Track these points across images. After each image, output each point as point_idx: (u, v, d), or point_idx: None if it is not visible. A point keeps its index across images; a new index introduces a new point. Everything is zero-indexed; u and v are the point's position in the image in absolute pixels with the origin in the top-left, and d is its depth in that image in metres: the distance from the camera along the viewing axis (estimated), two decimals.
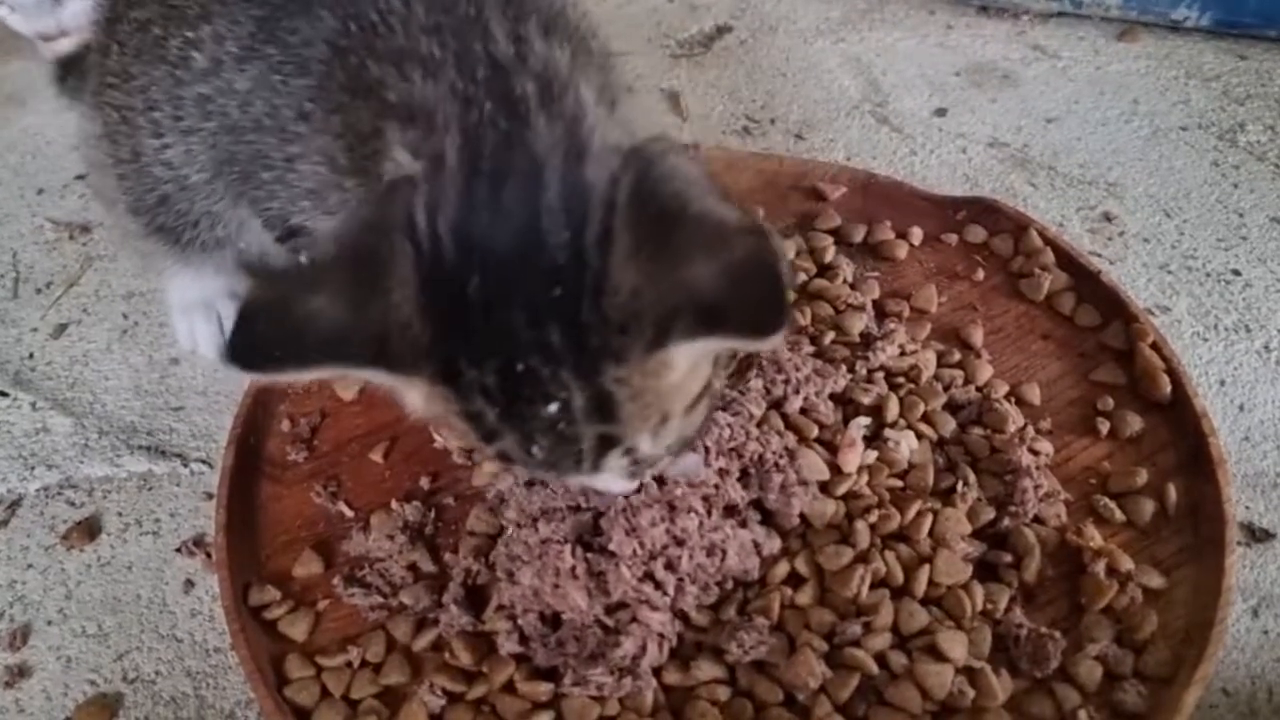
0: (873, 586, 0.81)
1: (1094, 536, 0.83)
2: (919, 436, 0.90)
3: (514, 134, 0.59)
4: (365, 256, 0.56)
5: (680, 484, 0.81)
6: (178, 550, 0.93)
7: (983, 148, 1.33)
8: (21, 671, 0.86)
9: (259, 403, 0.95)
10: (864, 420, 0.90)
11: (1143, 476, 0.88)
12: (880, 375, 0.95)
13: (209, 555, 0.92)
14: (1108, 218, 1.22)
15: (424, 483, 0.91)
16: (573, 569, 0.78)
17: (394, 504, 0.89)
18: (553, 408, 0.57)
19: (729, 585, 0.81)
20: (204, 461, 1.00)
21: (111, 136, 0.86)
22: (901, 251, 1.09)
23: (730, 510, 0.83)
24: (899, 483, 0.88)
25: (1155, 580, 0.82)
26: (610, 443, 0.60)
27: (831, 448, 0.88)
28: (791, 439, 0.88)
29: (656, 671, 0.77)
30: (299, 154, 0.70)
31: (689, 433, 0.66)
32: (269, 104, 0.70)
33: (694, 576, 0.79)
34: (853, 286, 1.05)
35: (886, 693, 0.76)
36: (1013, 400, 0.94)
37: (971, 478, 0.87)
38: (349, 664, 0.80)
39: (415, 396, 0.61)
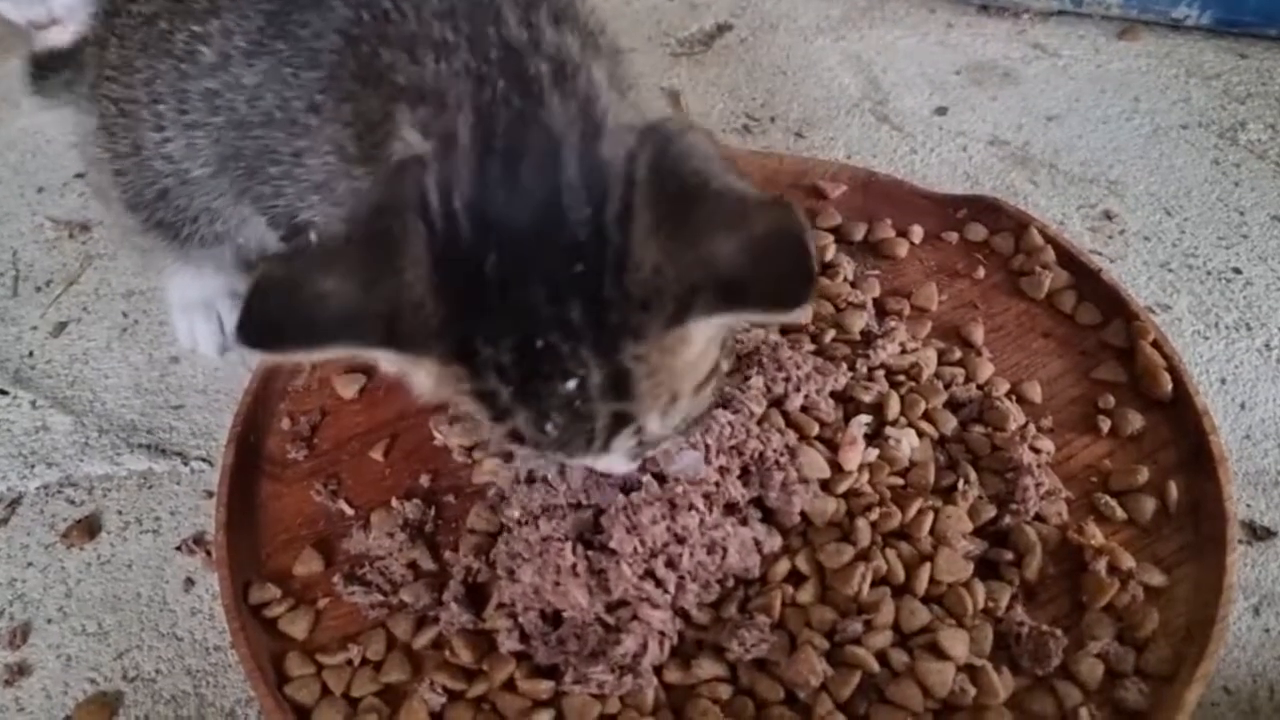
0: (874, 584, 0.80)
1: (1095, 534, 0.83)
2: (920, 434, 0.90)
3: (528, 112, 0.59)
4: (377, 237, 0.56)
5: (681, 482, 0.81)
6: (178, 548, 0.93)
7: (983, 146, 1.33)
8: (21, 670, 0.86)
9: (259, 401, 0.95)
10: (865, 418, 0.90)
11: (1144, 474, 0.88)
12: (881, 373, 0.95)
13: (209, 553, 0.92)
14: (1108, 216, 1.22)
15: (424, 480, 0.91)
16: (573, 567, 0.78)
17: (394, 502, 0.89)
18: (571, 384, 0.57)
19: (730, 583, 0.81)
20: (204, 460, 1.00)
21: (109, 129, 0.86)
22: (902, 250, 1.09)
23: (731, 508, 0.83)
24: (900, 481, 0.88)
25: (1156, 578, 0.82)
26: (623, 421, 0.60)
27: (832, 445, 0.88)
28: (792, 437, 0.87)
29: (657, 669, 0.77)
30: (308, 147, 0.70)
31: (695, 414, 0.66)
32: (279, 97, 0.70)
33: (695, 574, 0.79)
34: (853, 284, 1.05)
35: (888, 691, 0.76)
36: (1014, 398, 0.94)
37: (972, 476, 0.87)
38: (349, 662, 0.80)
39: (423, 377, 0.60)
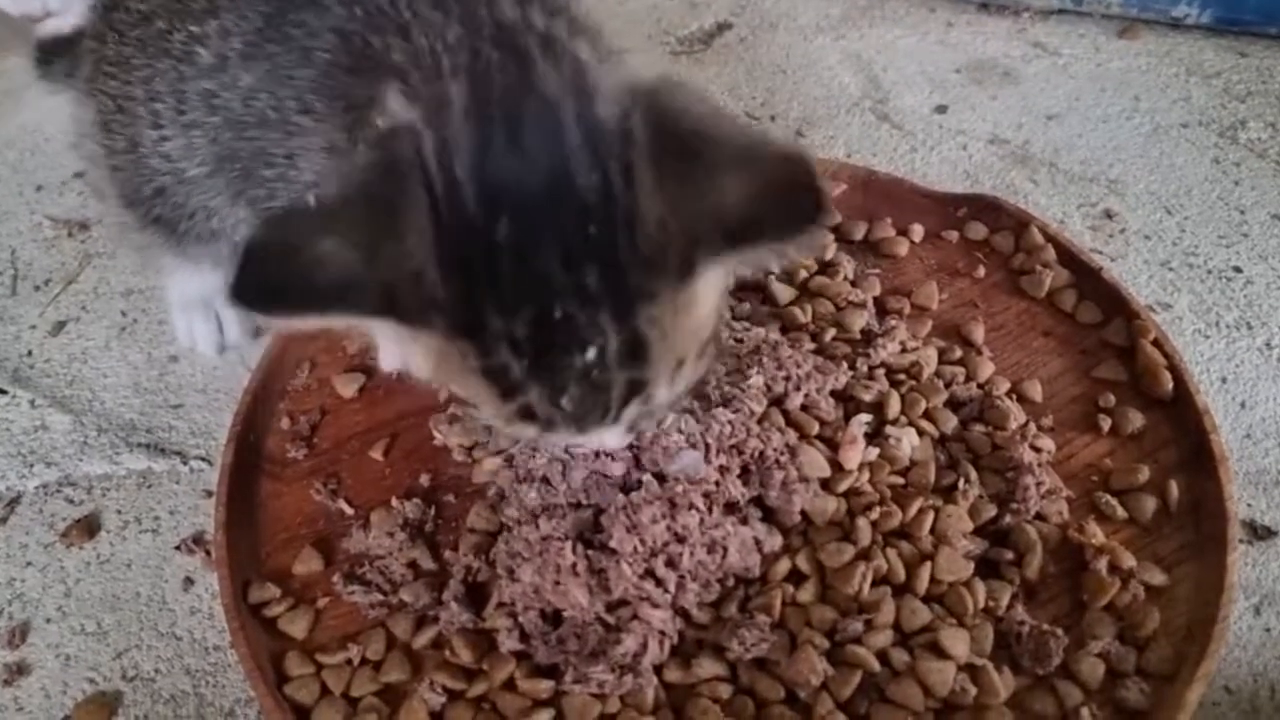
0: (874, 584, 0.80)
1: (1096, 533, 0.83)
2: (920, 433, 0.90)
3: (522, 79, 0.59)
4: (375, 200, 0.55)
5: (681, 481, 0.81)
6: (177, 548, 0.93)
7: (983, 145, 1.33)
8: (20, 669, 0.86)
9: (259, 400, 0.95)
10: (865, 417, 0.90)
11: (1144, 473, 0.88)
12: (881, 372, 0.95)
13: (208, 553, 0.91)
14: (1109, 215, 1.22)
15: (424, 480, 0.91)
16: (573, 566, 0.78)
17: (394, 501, 0.88)
18: (591, 353, 0.56)
19: (730, 582, 0.81)
20: (203, 459, 1.00)
21: (106, 125, 0.85)
22: (902, 248, 1.09)
23: (731, 507, 0.83)
24: (900, 480, 0.87)
25: (1157, 577, 0.82)
26: (637, 388, 0.60)
27: (833, 445, 0.88)
28: (793, 436, 0.87)
29: (658, 669, 0.77)
30: (300, 148, 0.69)
31: (694, 381, 0.65)
32: (273, 99, 0.69)
33: (695, 574, 0.79)
34: (854, 284, 1.05)
35: (888, 690, 0.75)
36: (1014, 397, 0.94)
37: (973, 475, 0.87)
38: (349, 661, 0.80)
39: (422, 356, 0.60)
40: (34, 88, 1.39)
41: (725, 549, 0.79)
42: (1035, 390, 0.95)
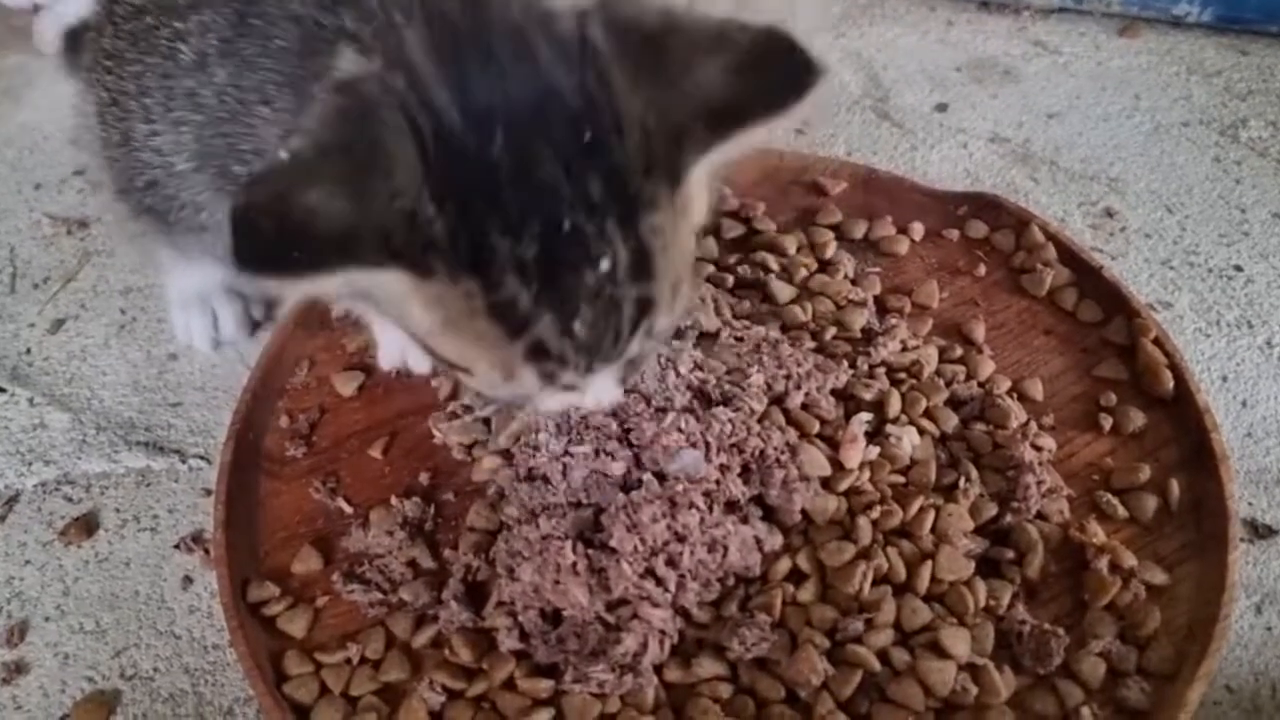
0: (875, 583, 0.80)
1: (1097, 533, 0.83)
2: (921, 432, 0.90)
3: (478, 14, 0.58)
4: (353, 141, 0.53)
5: (681, 480, 0.81)
6: (176, 546, 0.93)
7: (984, 143, 1.32)
8: (19, 668, 0.85)
9: (258, 398, 0.95)
10: (866, 416, 0.90)
11: (1145, 472, 0.88)
12: (882, 371, 0.94)
13: (207, 551, 0.91)
14: (1109, 213, 1.22)
15: (423, 478, 0.91)
16: (573, 565, 0.78)
17: (393, 500, 0.88)
18: (603, 266, 0.55)
19: (730, 582, 0.81)
20: (202, 457, 1.00)
21: (102, 117, 0.85)
22: (903, 247, 1.09)
23: (731, 506, 0.83)
24: (901, 479, 0.87)
25: (1158, 576, 0.82)
26: (646, 308, 0.58)
27: (833, 443, 0.88)
28: (793, 434, 0.87)
29: (658, 668, 0.77)
30: (263, 141, 0.68)
31: (680, 313, 0.64)
32: (240, 92, 0.69)
33: (695, 573, 0.79)
34: (854, 282, 1.04)
35: (889, 690, 0.75)
36: (1015, 396, 0.94)
37: (974, 474, 0.87)
38: (348, 661, 0.80)
39: (421, 310, 0.57)
40: (35, 87, 1.40)
41: (725, 548, 0.79)
42: (1036, 389, 0.95)
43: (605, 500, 0.81)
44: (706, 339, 0.94)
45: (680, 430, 0.83)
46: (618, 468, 0.82)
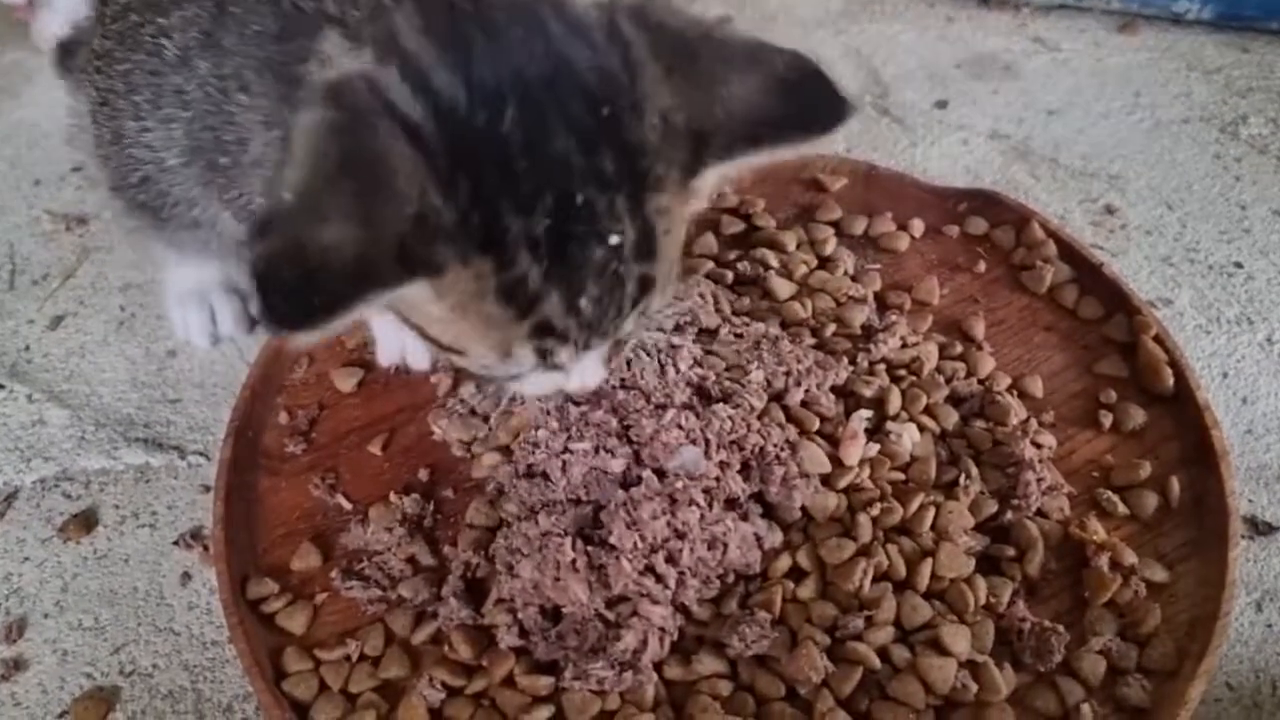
0: (875, 580, 0.80)
1: (1097, 530, 0.83)
2: (921, 429, 0.90)
3: None
4: (349, 161, 0.52)
5: (681, 477, 0.81)
6: (175, 543, 0.93)
7: (984, 140, 1.32)
8: (17, 665, 0.85)
9: (257, 395, 0.95)
10: (866, 413, 0.90)
11: (1146, 470, 0.88)
12: (882, 368, 0.94)
13: (206, 548, 0.91)
14: (1110, 210, 1.22)
15: (423, 475, 0.91)
16: (573, 562, 0.77)
17: (392, 496, 0.88)
18: (614, 240, 0.55)
19: (730, 579, 0.81)
20: (201, 454, 1.00)
21: (94, 116, 0.86)
22: (903, 243, 1.09)
23: (731, 503, 0.83)
24: (901, 476, 0.87)
25: (1158, 574, 0.82)
26: (647, 287, 0.59)
27: (833, 440, 0.88)
28: (793, 431, 0.87)
29: (657, 666, 0.77)
30: (245, 128, 0.68)
31: (670, 296, 0.65)
32: (220, 82, 0.69)
33: (695, 570, 0.79)
34: (854, 279, 1.04)
35: (889, 687, 0.75)
36: (1015, 393, 0.94)
37: (974, 471, 0.87)
38: (347, 657, 0.80)
39: (435, 307, 0.57)
40: (34, 84, 1.40)
41: (725, 545, 0.79)
42: (1036, 386, 0.95)
43: (605, 497, 0.81)
44: (706, 335, 0.94)
45: (680, 427, 0.83)
46: (617, 464, 0.82)
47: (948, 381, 0.94)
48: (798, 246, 1.07)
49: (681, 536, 0.78)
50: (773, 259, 1.04)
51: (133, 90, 0.79)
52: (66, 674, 0.85)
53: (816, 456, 0.85)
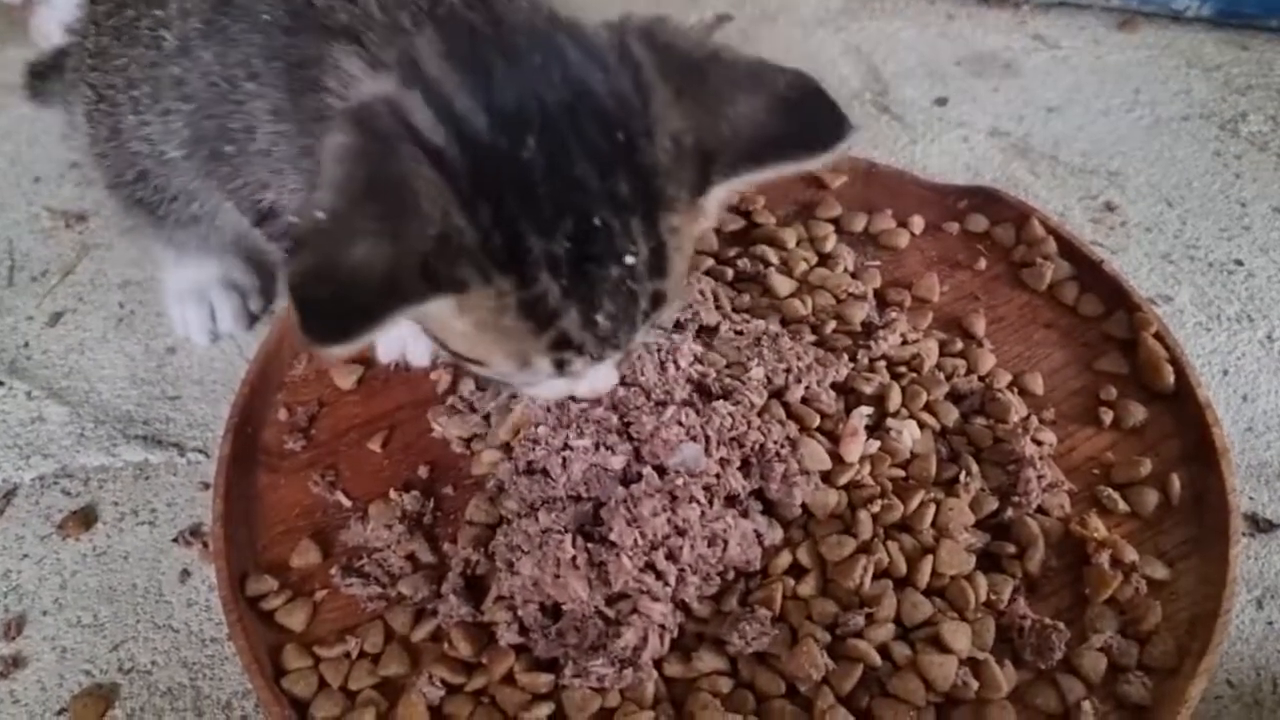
0: (875, 577, 0.80)
1: (1098, 527, 0.83)
2: (921, 426, 0.90)
3: (494, 17, 0.59)
4: (377, 184, 0.54)
5: (681, 474, 0.81)
6: (174, 540, 0.93)
7: (984, 137, 1.32)
8: (16, 662, 0.85)
9: (256, 391, 0.95)
10: (866, 410, 0.89)
11: (1146, 467, 0.88)
12: (882, 364, 0.94)
13: (205, 545, 0.91)
14: (1109, 207, 1.22)
15: (422, 472, 0.91)
16: (573, 559, 0.77)
17: (392, 493, 0.88)
18: (629, 260, 0.57)
19: (730, 576, 0.81)
20: (201, 451, 1.00)
21: (89, 115, 0.86)
22: (903, 240, 1.08)
23: (732, 500, 0.83)
24: (901, 473, 0.87)
25: (1159, 571, 0.82)
26: (658, 302, 0.61)
27: (833, 437, 0.88)
28: (793, 428, 0.87)
29: (657, 663, 0.77)
30: (252, 116, 0.69)
31: (678, 309, 0.67)
32: (225, 70, 0.70)
33: (695, 567, 0.78)
34: (854, 275, 1.04)
35: (889, 684, 0.75)
36: (1015, 390, 0.94)
37: (974, 468, 0.86)
38: (347, 655, 0.79)
39: (457, 316, 0.58)
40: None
41: (726, 542, 0.79)
42: (1036, 383, 0.95)
43: (605, 494, 0.81)
44: (706, 332, 0.94)
45: (680, 424, 0.83)
46: (618, 461, 0.82)
47: (948, 378, 0.94)
48: (798, 243, 1.07)
49: (682, 533, 0.78)
50: (773, 256, 1.04)
51: (132, 85, 0.79)
52: (65, 671, 0.85)
53: (817, 453, 0.85)
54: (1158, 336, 0.96)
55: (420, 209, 0.53)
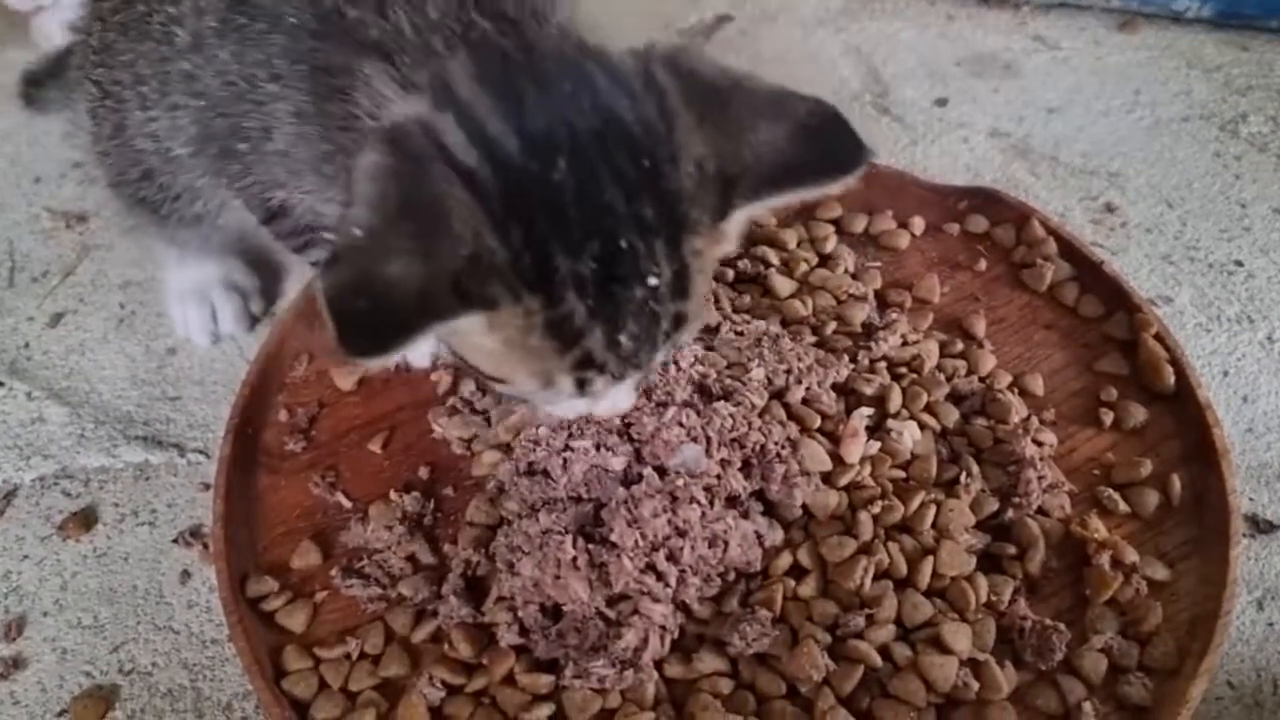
0: (876, 578, 0.80)
1: (1098, 528, 0.83)
2: (922, 427, 0.90)
3: (525, 43, 0.61)
4: (411, 203, 0.55)
5: (682, 475, 0.81)
6: (174, 541, 0.93)
7: (984, 138, 1.32)
8: (16, 663, 0.85)
9: (256, 393, 0.95)
10: (866, 411, 0.90)
11: (1147, 468, 0.88)
12: (883, 365, 0.94)
13: (206, 546, 0.91)
14: (1110, 208, 1.22)
15: (423, 473, 0.91)
16: (574, 560, 0.77)
17: (392, 494, 0.88)
18: (653, 281, 0.58)
19: (731, 577, 0.81)
20: (201, 452, 1.00)
21: (94, 112, 0.86)
22: (903, 241, 1.08)
23: (732, 501, 0.83)
24: (902, 474, 0.87)
25: (1160, 572, 0.82)
26: (680, 323, 0.62)
27: (834, 438, 0.88)
28: (794, 429, 0.87)
29: (658, 664, 0.77)
30: (271, 116, 0.69)
31: (698, 330, 0.69)
32: (244, 69, 0.70)
33: (696, 568, 0.78)
34: (854, 276, 1.04)
35: (890, 685, 0.75)
36: (1016, 391, 0.94)
37: (975, 469, 0.86)
38: (347, 656, 0.79)
39: (488, 341, 0.59)
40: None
41: (726, 543, 0.79)
42: (1037, 384, 0.95)
43: (606, 495, 0.81)
44: (707, 333, 0.94)
45: (681, 425, 0.83)
46: (618, 462, 0.82)
47: (948, 379, 0.94)
48: (798, 244, 1.07)
49: (682, 534, 0.78)
50: (773, 257, 1.04)
51: (139, 81, 0.79)
52: (66, 672, 0.85)
53: (817, 454, 0.85)
54: (1158, 337, 0.96)
55: (453, 229, 0.54)
